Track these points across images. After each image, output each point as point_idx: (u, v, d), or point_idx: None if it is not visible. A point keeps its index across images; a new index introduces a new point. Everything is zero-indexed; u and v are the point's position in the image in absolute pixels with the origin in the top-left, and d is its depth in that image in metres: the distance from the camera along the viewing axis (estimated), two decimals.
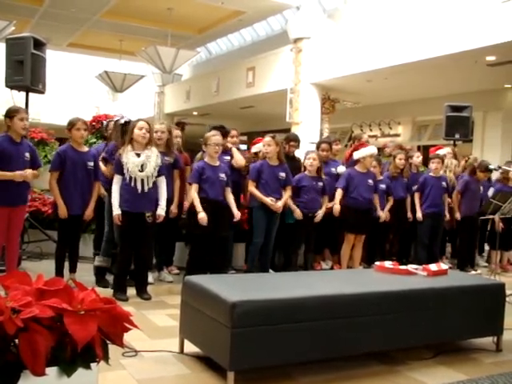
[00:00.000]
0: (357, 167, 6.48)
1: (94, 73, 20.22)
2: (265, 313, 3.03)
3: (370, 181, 6.48)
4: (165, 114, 19.95)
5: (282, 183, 5.90)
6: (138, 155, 4.87)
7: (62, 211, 5.00)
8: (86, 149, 5.26)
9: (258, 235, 5.88)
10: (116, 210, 4.86)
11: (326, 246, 6.99)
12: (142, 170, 4.85)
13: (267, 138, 5.89)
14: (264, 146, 5.88)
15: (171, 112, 19.93)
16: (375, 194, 6.59)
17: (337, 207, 6.30)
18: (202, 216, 5.22)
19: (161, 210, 5.03)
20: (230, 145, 6.15)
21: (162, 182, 5.06)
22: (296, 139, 6.73)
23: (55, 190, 5.01)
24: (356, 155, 6.52)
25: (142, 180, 4.87)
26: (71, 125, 5.03)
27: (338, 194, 6.40)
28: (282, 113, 12.93)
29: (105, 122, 6.18)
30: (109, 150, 5.38)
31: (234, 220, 5.52)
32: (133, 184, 4.83)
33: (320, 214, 6.19)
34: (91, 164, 5.13)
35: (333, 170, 6.74)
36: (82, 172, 5.06)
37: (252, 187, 5.88)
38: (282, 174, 5.89)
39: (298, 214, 6.04)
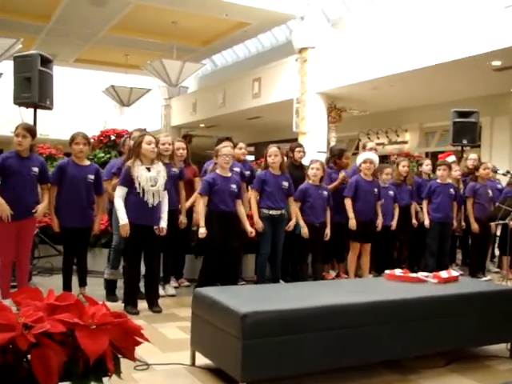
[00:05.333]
0: (362, 174, 6.50)
1: (100, 87, 20.36)
2: (275, 323, 3.03)
3: (376, 189, 6.50)
4: (172, 126, 20.01)
5: (285, 192, 5.96)
6: (148, 169, 4.92)
7: (54, 225, 5.13)
8: (87, 163, 5.31)
9: (264, 246, 5.93)
10: (123, 220, 4.86)
11: (333, 256, 6.97)
12: (153, 185, 4.90)
13: (274, 149, 5.95)
14: (271, 156, 5.93)
15: (178, 124, 19.99)
16: (378, 203, 6.58)
17: (353, 222, 6.28)
18: (202, 231, 5.27)
19: (163, 223, 5.07)
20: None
21: (165, 197, 5.13)
22: (301, 145, 6.80)
23: (51, 205, 5.09)
24: (357, 162, 6.59)
25: (153, 194, 4.92)
26: (72, 139, 5.14)
27: (349, 204, 6.39)
28: (289, 123, 12.94)
29: (122, 139, 6.21)
30: (120, 166, 5.38)
31: (249, 236, 5.56)
32: (145, 198, 4.88)
33: (328, 232, 6.22)
34: (91, 177, 5.18)
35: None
36: (81, 185, 5.13)
37: (253, 198, 5.91)
38: (285, 184, 5.96)
39: (305, 233, 6.05)
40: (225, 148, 5.48)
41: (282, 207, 5.90)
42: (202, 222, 5.31)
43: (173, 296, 5.75)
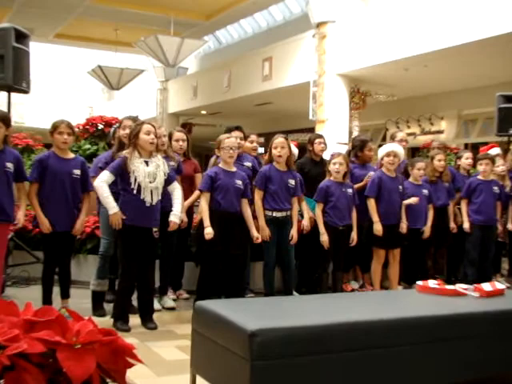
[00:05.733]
0: (384, 170, 6.50)
1: (86, 68, 20.44)
2: (289, 342, 3.02)
3: (400, 187, 6.49)
4: (169, 113, 20.07)
5: (291, 192, 5.96)
6: (147, 163, 4.95)
7: (45, 226, 5.05)
8: (71, 155, 5.31)
9: (268, 254, 5.95)
10: (113, 209, 4.87)
11: (356, 264, 6.99)
12: (152, 181, 4.93)
13: (280, 139, 5.92)
14: (276, 148, 5.89)
15: (176, 111, 20.07)
16: (402, 202, 6.55)
17: (379, 227, 6.27)
18: (209, 231, 5.30)
19: (173, 217, 5.12)
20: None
21: (177, 189, 5.20)
22: (322, 136, 6.84)
23: (34, 203, 5.07)
24: (379, 155, 6.60)
25: (151, 191, 4.95)
26: (53, 128, 5.12)
27: (372, 206, 6.37)
28: (305, 110, 12.94)
29: (112, 129, 6.24)
30: (108, 160, 5.41)
31: (255, 241, 5.59)
32: (142, 196, 4.90)
33: (354, 236, 6.23)
34: (77, 172, 5.18)
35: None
36: (66, 182, 5.12)
37: (258, 198, 5.89)
38: (292, 182, 5.96)
39: (325, 241, 6.06)
40: (228, 139, 5.51)
41: (287, 209, 5.93)
42: (207, 221, 5.34)
43: (172, 309, 5.77)
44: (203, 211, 5.41)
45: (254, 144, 6.55)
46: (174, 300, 6.08)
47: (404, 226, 6.44)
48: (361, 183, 6.63)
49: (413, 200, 6.53)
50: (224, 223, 5.41)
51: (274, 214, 5.88)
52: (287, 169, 5.97)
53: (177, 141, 6.05)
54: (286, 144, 5.90)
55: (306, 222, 6.15)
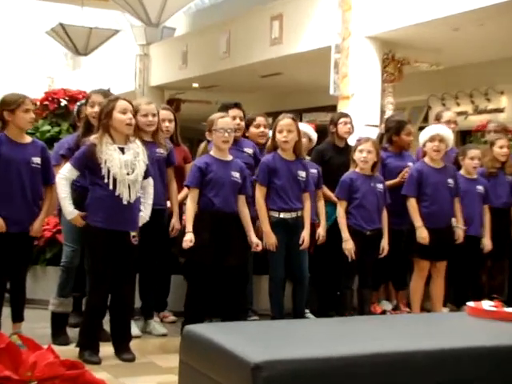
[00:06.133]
0: (426, 160, 6.49)
1: (44, 27, 20.34)
2: (301, 378, 3.02)
3: (450, 180, 6.44)
4: (151, 86, 19.97)
5: (301, 186, 5.96)
6: (122, 151, 4.97)
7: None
8: (28, 139, 5.33)
9: (275, 266, 5.96)
10: (70, 214, 4.94)
11: (388, 279, 6.97)
12: (130, 173, 4.95)
13: (286, 120, 5.90)
14: (282, 131, 5.86)
15: (160, 84, 19.98)
16: (456, 200, 6.54)
17: (424, 234, 6.24)
18: (189, 238, 5.32)
19: (143, 218, 5.17)
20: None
21: (150, 186, 5.21)
22: (348, 115, 6.85)
23: None
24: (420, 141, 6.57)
25: (129, 186, 4.96)
26: (15, 104, 5.08)
27: (413, 206, 6.34)
28: (324, 82, 12.84)
29: (76, 106, 6.27)
30: (72, 146, 5.43)
31: (253, 250, 5.64)
32: (117, 192, 4.92)
33: (385, 244, 6.22)
34: (37, 160, 5.21)
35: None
36: (24, 173, 5.15)
37: (260, 196, 5.87)
38: (302, 174, 5.97)
39: (349, 250, 6.05)
40: (222, 119, 5.51)
41: (298, 208, 5.93)
42: (189, 225, 5.38)
43: (163, 336, 5.79)
44: (187, 211, 5.45)
45: (262, 129, 6.50)
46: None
47: (460, 233, 6.42)
48: (396, 179, 6.61)
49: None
50: (218, 227, 5.43)
51: (282, 215, 5.89)
52: (295, 157, 5.96)
53: (162, 121, 6.03)
54: (294, 126, 5.89)
55: (321, 231, 6.17)
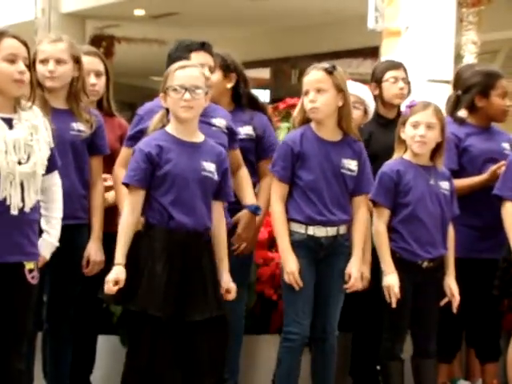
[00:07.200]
0: None
1: None
2: None
3: None
4: (62, 14, 16.80)
5: (349, 187, 4.73)
6: (9, 124, 3.98)
7: None
8: None
9: (295, 312, 4.69)
10: None
11: (469, 345, 5.67)
12: (23, 161, 4.02)
13: (316, 74, 4.72)
14: (309, 92, 4.69)
15: (78, 10, 16.75)
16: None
17: None
18: (112, 277, 4.20)
19: (45, 247, 4.14)
20: None
21: (57, 186, 4.25)
22: (400, 66, 5.74)
23: None
24: None
25: (21, 183, 3.99)
26: None
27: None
28: (356, 11, 10.85)
29: None
30: None
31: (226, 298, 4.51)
32: (2, 194, 3.97)
33: (452, 286, 4.91)
34: None
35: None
36: None
37: (279, 198, 4.76)
38: (352, 164, 4.78)
39: (391, 287, 4.82)
40: (183, 69, 4.40)
41: (339, 220, 4.69)
42: (119, 252, 4.32)
43: None
44: (121, 228, 4.35)
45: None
46: None
47: None
48: (483, 175, 5.29)
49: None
50: (177, 255, 4.27)
51: (311, 230, 4.65)
52: (342, 136, 4.74)
53: (87, 73, 4.97)
54: (330, 83, 4.63)
55: (363, 266, 4.94)
